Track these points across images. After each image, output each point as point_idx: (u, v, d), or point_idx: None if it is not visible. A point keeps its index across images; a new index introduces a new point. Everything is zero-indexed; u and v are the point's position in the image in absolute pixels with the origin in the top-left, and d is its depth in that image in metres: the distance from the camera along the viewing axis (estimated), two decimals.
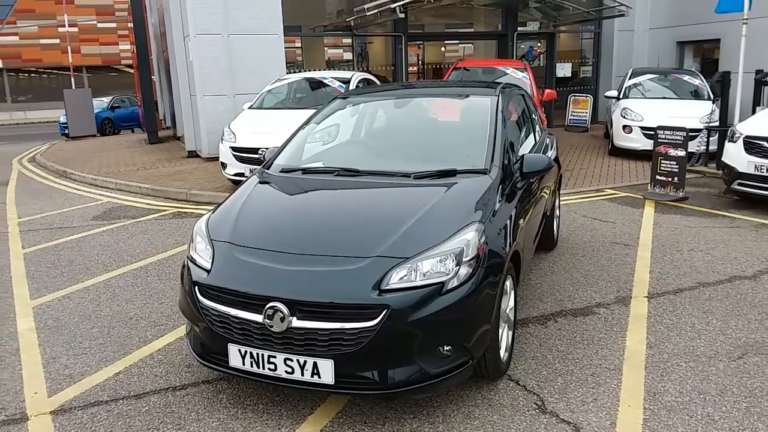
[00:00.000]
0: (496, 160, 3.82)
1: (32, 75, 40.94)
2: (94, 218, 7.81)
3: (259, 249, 3.18)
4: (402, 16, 12.22)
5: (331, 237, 3.24)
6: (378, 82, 10.85)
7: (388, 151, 4.38)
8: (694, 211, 7.42)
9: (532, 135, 5.18)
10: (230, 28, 11.56)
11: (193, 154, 12.51)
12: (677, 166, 8.19)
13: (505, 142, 4.02)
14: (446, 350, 2.97)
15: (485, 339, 3.14)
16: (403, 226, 3.17)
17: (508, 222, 3.55)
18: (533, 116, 5.48)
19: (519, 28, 15.98)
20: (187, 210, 8.15)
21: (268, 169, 4.19)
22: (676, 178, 8.20)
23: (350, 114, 4.82)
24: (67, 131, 20.29)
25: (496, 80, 10.22)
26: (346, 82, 9.73)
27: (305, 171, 4.07)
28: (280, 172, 4.10)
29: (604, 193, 8.56)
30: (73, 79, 24.55)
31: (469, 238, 3.11)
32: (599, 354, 3.81)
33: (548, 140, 5.76)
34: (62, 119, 21.15)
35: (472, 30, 19.29)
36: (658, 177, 8.39)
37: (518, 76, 10.65)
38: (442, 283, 2.93)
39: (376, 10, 12.27)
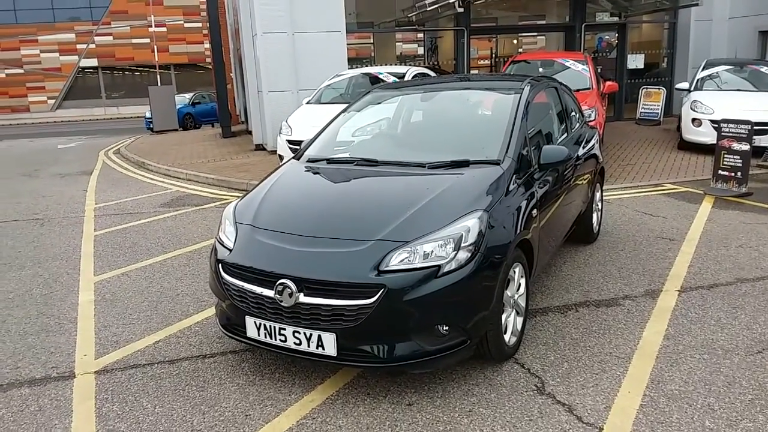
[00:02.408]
0: (511, 151, 3.92)
1: (125, 73, 43.64)
2: (162, 205, 8.44)
3: (274, 231, 3.47)
4: (461, 10, 12.28)
5: (339, 221, 3.48)
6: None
7: (410, 143, 4.57)
8: (754, 208, 7.13)
9: (564, 128, 5.21)
10: (295, 26, 12.03)
11: (259, 148, 13.11)
12: (741, 161, 7.87)
13: (524, 134, 4.11)
14: (444, 329, 3.15)
15: (484, 322, 3.28)
16: (407, 213, 3.36)
17: (517, 212, 3.65)
18: (570, 109, 5.49)
19: (588, 21, 15.61)
20: None
21: (298, 159, 4.48)
22: (739, 173, 7.88)
23: (383, 106, 5.04)
24: (151, 126, 21.69)
25: (555, 73, 10.13)
26: (401, 76, 9.93)
27: (329, 161, 4.33)
28: (308, 162, 4.38)
29: (663, 188, 8.34)
30: (159, 77, 26.06)
31: (469, 224, 3.26)
32: (612, 343, 3.85)
33: (587, 134, 5.75)
34: (147, 114, 22.58)
35: (539, 22, 19.00)
36: (720, 172, 8.09)
37: (578, 68, 10.50)
38: (439, 266, 3.11)
39: (436, 5, 12.39)
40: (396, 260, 3.11)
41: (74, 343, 4.09)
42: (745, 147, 7.85)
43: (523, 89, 4.49)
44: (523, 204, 3.75)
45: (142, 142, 16.96)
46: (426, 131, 4.68)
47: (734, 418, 3.03)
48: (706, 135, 10.43)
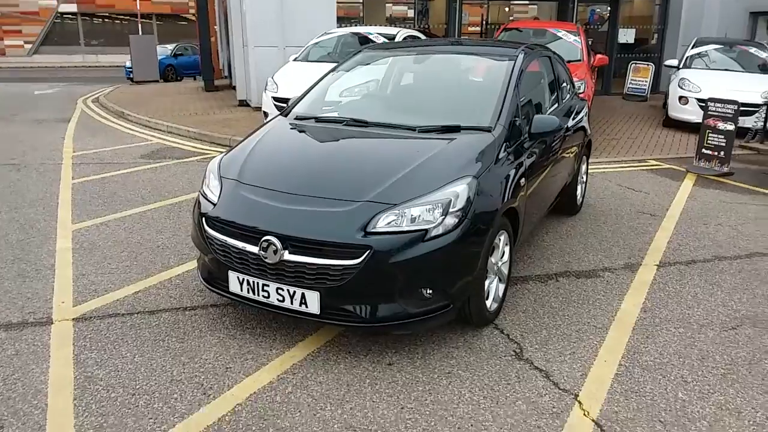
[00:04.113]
0: (502, 119, 3.88)
1: (105, 20, 42.27)
2: (142, 156, 8.28)
3: (260, 187, 3.41)
4: None
5: (327, 180, 3.43)
6: None
7: (401, 105, 4.50)
8: (735, 187, 7.23)
9: (555, 98, 5.18)
10: None
11: (243, 103, 12.87)
12: (725, 140, 7.93)
13: (516, 102, 4.07)
14: (428, 293, 3.15)
15: (468, 287, 3.29)
16: (396, 175, 3.32)
17: (505, 180, 3.63)
18: (562, 80, 5.45)
19: None
20: None
21: (285, 116, 4.40)
22: (722, 153, 7.95)
23: (373, 67, 4.95)
24: (131, 76, 21.13)
25: (547, 43, 10.04)
26: (392, 38, 9.76)
27: (318, 120, 4.25)
28: (295, 119, 4.30)
29: (646, 164, 8.40)
30: (140, 26, 25.31)
31: (458, 190, 3.24)
32: (590, 313, 3.91)
33: (577, 106, 5.73)
34: (128, 64, 21.98)
35: None
36: (703, 150, 8.15)
37: (570, 39, 10.41)
38: (426, 230, 3.09)
39: None
40: (383, 222, 3.09)
41: (52, 290, 4.03)
42: (730, 127, 7.91)
43: (517, 56, 4.44)
44: (512, 172, 3.73)
45: (122, 91, 16.55)
46: (417, 94, 4.61)
47: (706, 390, 3.11)
48: (692, 113, 10.48)
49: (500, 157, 3.68)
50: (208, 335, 3.48)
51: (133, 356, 3.25)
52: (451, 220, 3.15)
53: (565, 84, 5.54)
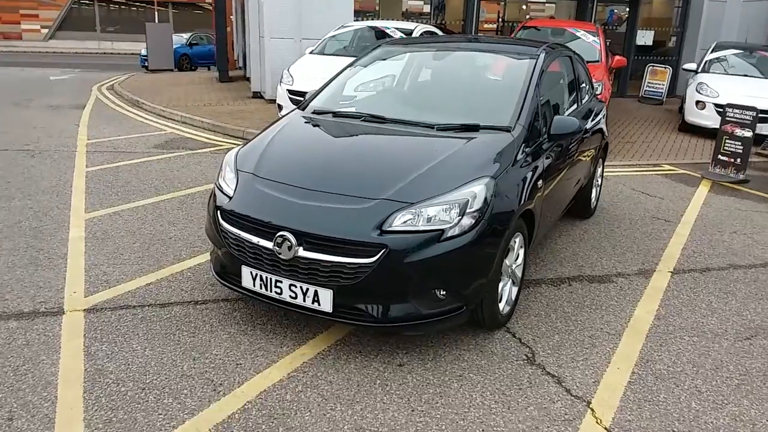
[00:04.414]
0: (522, 119, 3.84)
1: (122, 7, 42.35)
2: (156, 146, 8.29)
3: (277, 182, 3.39)
4: None
5: (344, 177, 3.41)
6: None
7: (419, 102, 4.47)
8: (750, 195, 7.15)
9: (575, 99, 5.12)
10: None
11: (257, 95, 12.86)
12: (742, 147, 7.84)
13: (536, 102, 4.02)
14: (441, 294, 3.12)
15: (482, 289, 3.26)
16: (413, 174, 3.29)
17: (523, 181, 3.59)
18: (582, 81, 5.39)
19: None
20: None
21: (303, 110, 4.37)
22: (738, 160, 7.86)
23: (391, 62, 4.91)
24: (146, 64, 21.17)
25: (565, 42, 9.95)
26: (409, 33, 9.71)
27: (335, 114, 4.22)
28: (313, 113, 4.27)
29: (661, 169, 8.32)
30: (157, 14, 25.33)
31: (476, 190, 3.20)
32: (603, 319, 3.87)
33: (596, 107, 5.67)
34: (143, 52, 22.00)
35: None
36: (720, 157, 8.06)
37: (588, 39, 10.30)
38: (442, 231, 3.06)
39: None
40: (399, 221, 3.06)
41: (63, 279, 4.03)
42: (748, 133, 7.82)
43: (538, 56, 4.39)
44: (530, 174, 3.69)
45: (137, 79, 16.59)
46: (436, 91, 4.57)
47: (720, 401, 3.07)
48: (709, 118, 10.36)
49: (518, 158, 3.64)
50: (219, 330, 3.47)
51: (144, 350, 3.24)
52: (467, 221, 3.12)
53: (584, 85, 5.48)
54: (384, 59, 4.89)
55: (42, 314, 3.57)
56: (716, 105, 10.23)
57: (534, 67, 4.24)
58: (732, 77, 11.14)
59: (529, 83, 4.09)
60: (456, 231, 3.09)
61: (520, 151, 3.69)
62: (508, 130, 3.77)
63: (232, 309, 3.72)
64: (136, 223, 5.16)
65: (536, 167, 3.80)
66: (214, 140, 8.92)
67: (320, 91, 4.57)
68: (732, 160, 7.92)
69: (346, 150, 3.87)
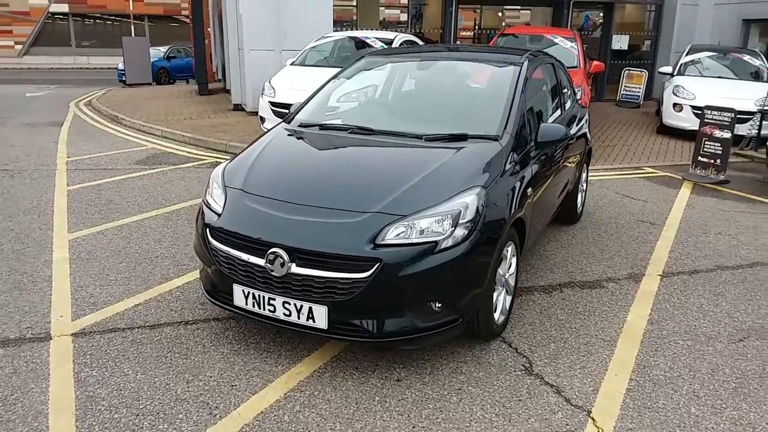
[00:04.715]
0: (510, 127, 3.85)
1: (97, 21, 41.97)
2: (137, 162, 8.17)
3: (267, 197, 3.34)
4: None
5: (335, 191, 3.37)
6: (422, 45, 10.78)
7: (406, 113, 4.45)
8: (731, 195, 7.24)
9: (558, 105, 5.15)
10: None
11: (238, 108, 12.78)
12: (721, 148, 7.95)
13: (522, 111, 4.03)
14: (437, 306, 3.10)
15: (477, 300, 3.24)
16: (404, 185, 3.27)
17: (513, 190, 3.59)
18: (564, 87, 5.42)
19: None
20: (224, 160, 8.38)
21: (289, 123, 4.33)
22: (718, 161, 7.97)
23: (376, 73, 4.89)
24: (124, 78, 20.96)
25: (544, 49, 10.05)
26: (389, 43, 9.72)
27: (322, 127, 4.19)
28: (299, 126, 4.23)
29: (642, 172, 8.40)
30: (133, 27, 25.11)
31: (468, 201, 3.19)
32: (597, 326, 3.87)
33: (579, 113, 5.71)
34: (120, 66, 21.79)
35: None
36: (700, 158, 8.17)
37: (566, 45, 10.42)
38: (436, 242, 3.04)
39: None
40: (392, 234, 3.04)
41: (49, 303, 3.94)
42: (727, 135, 7.93)
43: (522, 63, 4.40)
44: (519, 182, 3.70)
45: (114, 94, 16.41)
46: (422, 102, 4.56)
47: (719, 405, 3.07)
48: (687, 120, 10.52)
49: (508, 166, 3.64)
50: (212, 351, 3.41)
51: (136, 374, 3.17)
52: (460, 232, 3.10)
53: (566, 91, 5.51)
54: (368, 70, 4.88)
55: (29, 340, 3.48)
56: (693, 107, 10.39)
57: (519, 75, 4.26)
58: (707, 79, 11.33)
59: (515, 92, 4.10)
60: (449, 242, 3.07)
61: (509, 160, 3.69)
62: (496, 139, 3.77)
63: (223, 328, 3.66)
64: (122, 242, 5.06)
65: (525, 175, 3.80)
66: (197, 154, 8.83)
67: (305, 104, 4.54)
68: (712, 161, 8.03)
69: (336, 163, 3.83)
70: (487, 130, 3.83)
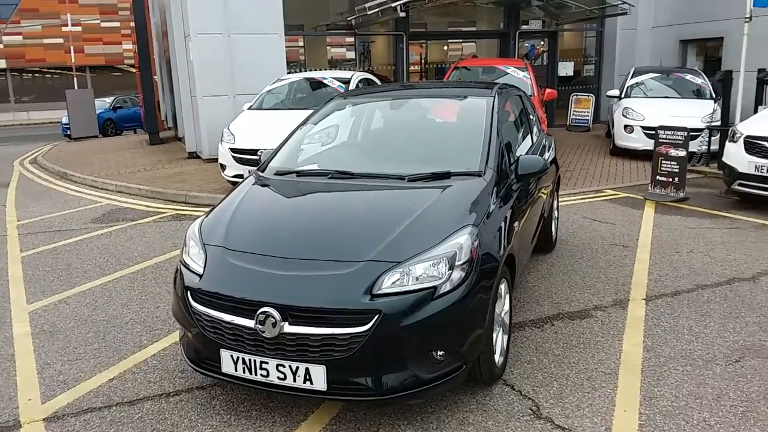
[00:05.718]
0: (491, 162, 3.79)
1: (36, 75, 41.01)
2: (93, 221, 7.81)
3: (251, 253, 3.16)
4: (403, 15, 12.20)
5: (323, 241, 3.23)
6: (378, 82, 10.82)
7: (384, 153, 4.36)
8: (694, 212, 7.39)
9: (529, 136, 5.16)
10: (231, 27, 11.55)
11: (193, 155, 12.51)
12: (678, 167, 8.15)
13: (500, 144, 3.99)
14: (439, 355, 2.95)
15: (479, 343, 3.12)
16: (395, 230, 3.15)
17: (502, 225, 3.53)
18: (531, 117, 5.45)
19: (522, 27, 15.95)
20: (186, 212, 8.14)
21: (262, 171, 4.18)
22: (676, 179, 8.16)
23: (347, 115, 4.81)
24: (69, 132, 20.35)
25: (496, 80, 10.21)
26: (346, 82, 9.71)
27: (299, 174, 4.05)
28: (275, 174, 4.08)
29: (604, 194, 8.53)
30: (75, 79, 24.59)
31: (461, 241, 3.09)
32: (595, 358, 3.79)
33: (546, 141, 5.74)
34: (64, 120, 21.18)
35: (474, 29, 19.27)
36: (658, 177, 8.35)
37: (519, 75, 10.63)
38: (435, 288, 2.91)
39: (377, 9, 12.25)
40: (389, 282, 2.90)
41: (15, 386, 3.60)
42: (682, 153, 8.15)
43: (494, 97, 4.39)
44: (507, 216, 3.64)
45: (61, 150, 15.87)
46: (399, 141, 4.48)
47: None
48: (638, 141, 10.82)
49: (494, 202, 3.58)
50: (200, 425, 3.15)
51: None
52: (458, 274, 2.99)
53: (533, 119, 5.54)
54: (339, 111, 4.79)
55: None
56: (643, 127, 10.70)
57: (492, 109, 4.24)
58: (654, 99, 11.72)
59: (491, 126, 4.07)
60: (448, 286, 2.95)
61: (495, 195, 3.63)
62: (479, 174, 3.71)
63: (209, 397, 3.41)
64: (86, 310, 4.74)
65: (511, 209, 3.75)
66: (156, 208, 8.51)
67: (278, 151, 4.40)
68: (670, 179, 8.22)
69: (320, 211, 3.68)
70: (469, 166, 3.77)
